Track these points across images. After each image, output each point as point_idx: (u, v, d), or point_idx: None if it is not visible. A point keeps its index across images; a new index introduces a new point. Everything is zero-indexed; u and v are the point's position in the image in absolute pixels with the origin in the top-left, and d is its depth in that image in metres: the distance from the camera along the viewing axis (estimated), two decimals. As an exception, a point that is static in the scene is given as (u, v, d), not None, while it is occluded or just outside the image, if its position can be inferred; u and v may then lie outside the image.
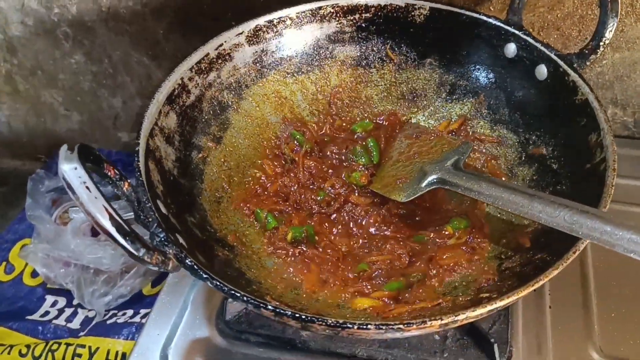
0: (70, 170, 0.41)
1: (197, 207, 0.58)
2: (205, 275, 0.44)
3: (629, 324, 0.57)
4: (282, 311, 0.42)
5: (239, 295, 0.43)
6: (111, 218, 0.40)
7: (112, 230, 0.41)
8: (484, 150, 0.65)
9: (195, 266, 0.45)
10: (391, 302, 0.52)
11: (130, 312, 0.83)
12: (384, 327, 0.41)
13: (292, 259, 0.57)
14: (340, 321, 0.41)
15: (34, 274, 0.92)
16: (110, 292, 0.82)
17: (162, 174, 0.55)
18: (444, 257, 0.56)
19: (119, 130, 0.99)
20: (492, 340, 0.53)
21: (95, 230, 0.88)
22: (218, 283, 0.43)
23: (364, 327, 0.40)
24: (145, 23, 0.81)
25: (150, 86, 0.90)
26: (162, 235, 0.46)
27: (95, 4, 0.81)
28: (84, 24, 0.84)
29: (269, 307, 0.42)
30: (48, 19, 0.84)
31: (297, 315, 0.41)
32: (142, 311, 0.82)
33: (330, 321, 0.41)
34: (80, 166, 0.41)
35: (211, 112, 0.65)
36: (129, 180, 0.51)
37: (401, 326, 0.40)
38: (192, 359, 0.57)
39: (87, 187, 0.41)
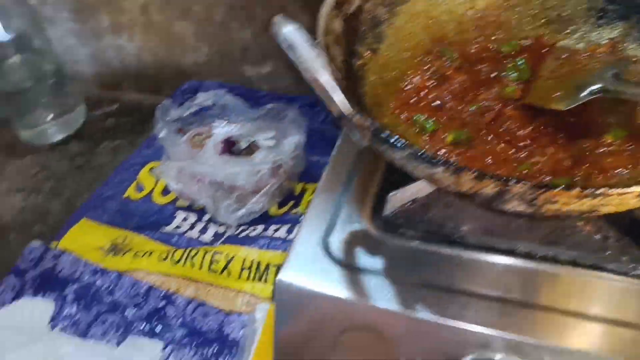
0: (293, 30, 0.45)
1: (363, 106, 0.61)
2: (400, 145, 0.47)
3: None
4: (484, 173, 0.44)
5: (435, 161, 0.45)
6: (332, 74, 0.43)
7: (331, 86, 0.44)
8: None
9: (388, 136, 0.47)
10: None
11: (260, 227, 0.87)
12: (585, 192, 0.42)
13: (453, 158, 0.60)
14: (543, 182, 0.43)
15: (165, 192, 0.97)
16: (244, 208, 0.87)
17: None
18: (607, 161, 0.57)
19: (245, 63, 1.03)
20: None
21: (226, 150, 0.93)
22: (415, 149, 0.46)
23: (566, 189, 0.42)
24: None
25: (283, 17, 0.93)
26: (358, 114, 0.49)
27: None
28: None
29: (471, 170, 0.44)
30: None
31: (501, 177, 0.44)
32: (272, 227, 0.87)
33: (533, 182, 0.43)
34: (302, 28, 0.45)
35: (369, 23, 0.67)
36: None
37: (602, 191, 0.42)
38: (352, 248, 0.60)
39: (311, 46, 0.44)
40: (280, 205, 0.91)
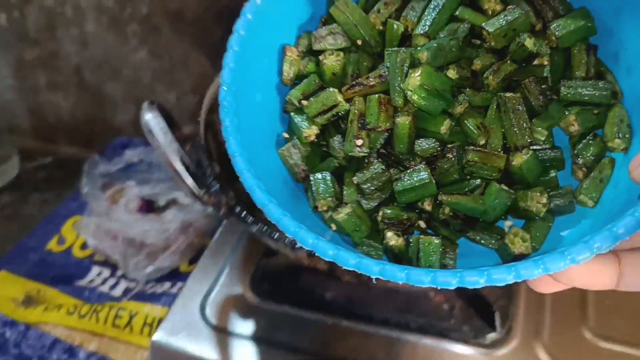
0: (152, 118, 0.50)
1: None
2: (249, 221, 0.52)
3: (621, 309, 0.63)
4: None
5: (278, 237, 0.51)
6: (182, 160, 0.49)
7: (182, 170, 0.49)
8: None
9: (243, 213, 0.53)
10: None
11: (168, 284, 0.91)
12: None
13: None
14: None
15: (84, 247, 1.01)
16: (152, 265, 0.90)
17: (217, 144, 0.64)
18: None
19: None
20: (495, 311, 0.60)
21: (143, 208, 0.97)
22: (261, 226, 0.51)
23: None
24: (206, 26, 0.92)
25: (204, 84, 0.99)
26: (216, 187, 0.55)
27: (164, 5, 0.91)
28: (151, 23, 0.94)
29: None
30: (120, 17, 0.95)
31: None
32: (179, 284, 0.90)
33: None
34: (160, 116, 0.50)
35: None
36: (193, 142, 0.59)
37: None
38: (228, 312, 0.65)
39: (165, 133, 0.49)
40: (192, 261, 0.95)
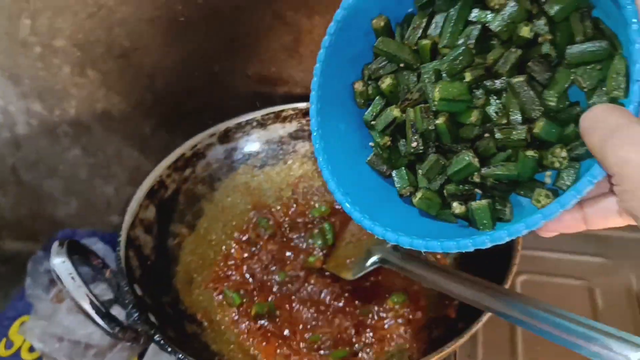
0: (59, 263, 0.51)
1: (171, 287, 0.68)
2: (169, 349, 0.53)
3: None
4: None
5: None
6: (91, 303, 0.50)
7: (92, 313, 0.50)
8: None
9: (161, 341, 0.53)
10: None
11: (117, 383, 0.90)
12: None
13: (254, 332, 0.66)
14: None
15: (32, 349, 1.00)
16: (100, 365, 0.90)
17: (140, 260, 0.65)
18: (385, 327, 0.64)
19: (111, 214, 1.09)
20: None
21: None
22: (181, 356, 0.52)
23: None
24: (135, 122, 0.93)
25: (139, 176, 1.00)
26: (135, 315, 0.55)
27: (91, 107, 0.92)
28: (81, 124, 0.95)
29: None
30: (50, 119, 0.96)
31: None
32: (129, 382, 0.90)
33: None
34: (68, 260, 0.51)
35: (186, 203, 0.75)
36: (110, 268, 0.60)
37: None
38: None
39: (73, 278, 0.50)
40: (140, 356, 0.94)
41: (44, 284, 1.04)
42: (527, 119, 0.42)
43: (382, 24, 0.49)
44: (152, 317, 0.57)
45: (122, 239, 0.63)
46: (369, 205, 0.47)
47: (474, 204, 0.42)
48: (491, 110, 0.43)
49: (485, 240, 0.39)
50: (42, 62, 0.89)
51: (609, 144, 0.32)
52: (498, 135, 0.42)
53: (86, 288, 0.49)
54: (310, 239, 0.75)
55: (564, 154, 0.40)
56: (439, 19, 0.46)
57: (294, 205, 0.80)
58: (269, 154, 0.81)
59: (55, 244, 0.53)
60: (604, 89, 0.39)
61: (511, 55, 0.42)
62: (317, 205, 0.80)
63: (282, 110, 0.79)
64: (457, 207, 0.44)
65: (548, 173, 0.42)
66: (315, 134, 0.48)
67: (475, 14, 0.44)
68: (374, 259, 0.68)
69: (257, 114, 0.79)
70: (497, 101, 0.43)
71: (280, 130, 0.80)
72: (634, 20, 0.34)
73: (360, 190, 0.48)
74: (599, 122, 0.34)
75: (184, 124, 0.91)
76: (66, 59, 0.87)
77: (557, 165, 0.40)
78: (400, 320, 0.65)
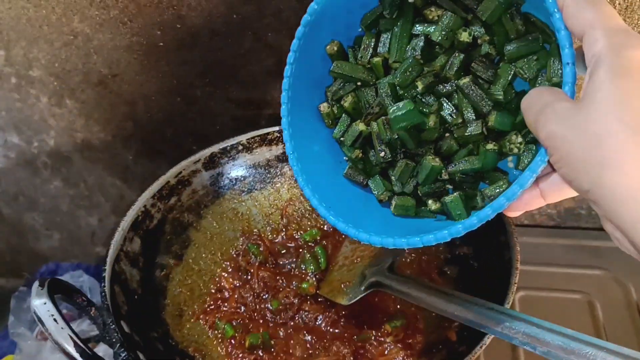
0: (40, 304, 0.48)
1: (160, 322, 0.65)
2: (161, 389, 0.50)
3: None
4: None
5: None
6: (75, 345, 0.47)
7: (77, 356, 0.47)
8: (417, 251, 0.73)
9: (153, 381, 0.51)
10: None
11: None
12: None
13: (250, 367, 0.63)
14: None
15: (16, 391, 0.96)
16: (89, 405, 0.86)
17: (127, 295, 0.62)
18: (385, 353, 0.62)
19: (96, 245, 1.06)
20: None
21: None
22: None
23: None
24: (116, 151, 0.90)
25: (123, 204, 0.98)
26: (124, 355, 0.53)
27: (70, 137, 0.90)
28: (60, 154, 0.93)
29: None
30: (28, 151, 0.93)
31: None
32: (119, 421, 0.86)
33: None
34: (49, 300, 0.48)
35: (173, 232, 0.72)
36: (95, 306, 0.57)
37: None
38: None
39: (55, 320, 0.47)
40: (131, 393, 0.91)
41: (27, 321, 1.01)
42: (480, 114, 0.46)
43: (335, 48, 0.53)
44: (141, 355, 0.55)
45: (107, 274, 0.60)
46: (351, 215, 0.51)
47: (447, 198, 0.46)
48: (446, 113, 0.48)
49: (459, 228, 0.43)
50: (18, 93, 0.86)
51: (539, 121, 0.36)
52: (456, 133, 0.47)
53: (69, 329, 0.47)
54: (302, 264, 0.73)
55: (519, 139, 0.44)
56: (385, 37, 0.51)
57: (284, 230, 0.78)
58: (256, 178, 0.79)
59: (36, 285, 0.50)
60: (544, 75, 0.43)
61: (455, 59, 0.47)
62: (308, 228, 0.78)
63: (268, 133, 0.78)
64: (432, 204, 0.49)
65: (510, 159, 0.47)
66: (291, 157, 0.53)
67: (417, 28, 0.49)
68: (369, 282, 0.66)
69: (242, 138, 0.77)
70: (450, 104, 0.48)
71: (266, 153, 0.78)
72: (555, 10, 0.37)
73: (342, 202, 0.53)
74: (532, 103, 0.38)
75: (167, 151, 0.89)
76: (43, 89, 0.85)
77: (515, 150, 0.45)
78: (400, 345, 0.62)
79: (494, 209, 0.41)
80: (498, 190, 0.45)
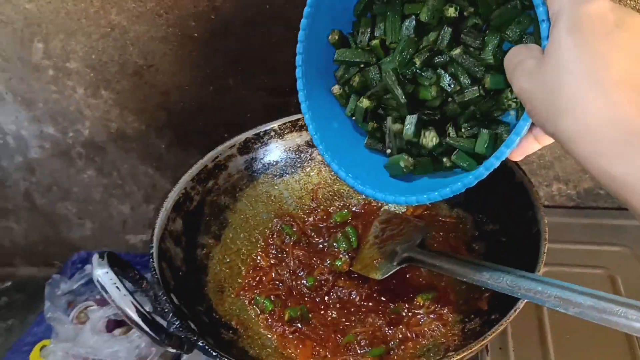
0: (103, 274, 0.51)
1: (203, 297, 0.68)
2: (214, 354, 0.53)
3: (580, 343, 0.66)
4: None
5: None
6: (137, 311, 0.50)
7: (139, 321, 0.50)
8: (446, 229, 0.76)
9: (206, 347, 0.54)
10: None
11: (145, 401, 0.90)
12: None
13: (289, 336, 0.67)
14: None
15: (54, 373, 0.99)
16: (127, 383, 0.90)
17: (173, 271, 0.65)
18: (419, 323, 0.65)
19: (127, 233, 1.09)
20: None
21: (111, 327, 0.97)
22: (225, 357, 0.53)
23: (348, 384, 0.50)
24: (149, 140, 0.94)
25: (155, 193, 1.01)
26: (177, 323, 0.56)
27: (105, 127, 0.93)
28: (95, 144, 0.96)
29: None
30: (63, 142, 0.97)
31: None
32: (156, 399, 0.90)
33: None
34: (110, 270, 0.52)
35: (211, 214, 0.76)
36: (146, 279, 0.61)
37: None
38: None
39: (117, 287, 0.51)
40: (164, 373, 0.94)
41: (62, 307, 1.04)
42: (476, 79, 0.51)
43: (336, 37, 0.58)
44: (192, 324, 0.58)
45: (155, 250, 0.63)
46: (377, 181, 0.55)
47: (455, 153, 0.52)
48: (445, 83, 0.52)
49: (470, 179, 0.47)
50: (55, 85, 0.90)
51: (514, 77, 0.40)
52: (457, 99, 0.52)
53: (131, 296, 0.50)
54: (334, 243, 0.76)
55: (513, 94, 0.48)
56: (379, 20, 0.56)
57: (315, 211, 0.81)
58: (288, 162, 0.82)
59: (96, 256, 0.53)
60: (528, 36, 0.47)
61: (445, 34, 0.51)
62: (338, 210, 0.81)
63: (298, 119, 0.81)
64: (447, 162, 0.54)
65: (512, 113, 0.51)
66: (315, 136, 0.58)
67: (407, 7, 0.53)
68: (401, 257, 0.69)
69: (274, 124, 0.80)
70: (447, 74, 0.52)
71: (297, 139, 0.81)
72: None
73: (367, 171, 0.57)
74: (509, 61, 0.42)
75: (199, 140, 0.93)
76: (80, 81, 0.89)
77: (513, 105, 0.49)
78: (432, 316, 0.66)
79: (497, 157, 0.45)
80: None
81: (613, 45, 0.35)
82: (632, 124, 0.33)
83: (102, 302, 1.01)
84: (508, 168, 0.69)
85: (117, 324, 0.98)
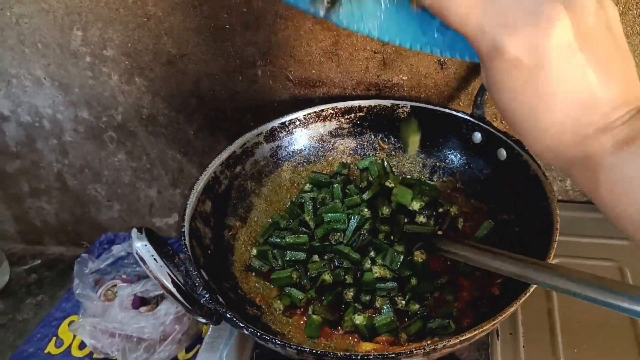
0: (142, 246, 0.55)
1: (230, 275, 0.72)
2: (242, 325, 0.57)
3: (589, 357, 0.69)
4: (302, 348, 0.54)
5: (268, 338, 0.56)
6: (173, 282, 0.54)
7: (174, 291, 0.54)
8: (463, 218, 0.79)
9: (234, 318, 0.58)
10: (388, 346, 0.64)
11: (168, 375, 0.94)
12: (381, 357, 0.53)
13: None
14: (347, 353, 0.54)
15: (82, 346, 1.04)
16: (151, 358, 0.94)
17: (202, 249, 0.69)
18: (437, 309, 0.68)
19: (153, 216, 1.14)
20: (474, 373, 0.65)
21: (137, 304, 1.01)
22: (253, 330, 0.56)
23: (366, 357, 0.53)
24: (179, 126, 0.98)
25: (181, 178, 1.05)
26: (207, 296, 0.60)
27: (137, 112, 0.98)
28: (126, 129, 1.01)
29: (292, 346, 0.55)
30: (97, 126, 1.01)
31: (314, 350, 0.54)
32: (179, 373, 0.94)
33: (340, 354, 0.53)
34: (149, 243, 0.56)
35: (238, 197, 0.80)
36: (179, 255, 0.65)
37: (393, 354, 0.53)
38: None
39: (155, 259, 0.55)
40: (188, 349, 0.99)
41: (90, 285, 1.09)
42: None
43: None
44: (220, 298, 0.62)
45: (186, 229, 0.67)
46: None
47: None
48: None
49: None
50: (91, 71, 0.94)
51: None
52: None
53: (167, 268, 0.54)
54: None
55: None
56: None
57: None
58: (311, 151, 0.85)
59: (134, 231, 0.57)
60: None
61: None
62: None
63: (323, 110, 0.84)
64: None
65: None
66: None
67: None
68: (418, 244, 0.72)
69: (300, 114, 0.84)
70: None
71: (320, 128, 0.85)
72: None
73: None
74: None
75: (227, 127, 0.97)
76: (115, 68, 0.93)
77: None
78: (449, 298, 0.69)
79: None
80: None
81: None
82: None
83: (128, 281, 1.06)
84: (523, 162, 0.72)
85: (142, 301, 1.03)
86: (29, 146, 1.07)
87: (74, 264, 1.08)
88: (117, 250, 1.13)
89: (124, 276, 1.10)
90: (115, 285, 1.07)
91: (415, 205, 0.74)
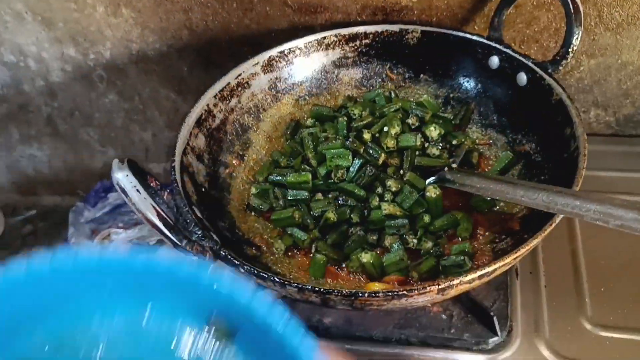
0: (123, 177, 0.50)
1: (226, 213, 0.67)
2: (237, 262, 0.52)
3: (617, 295, 0.63)
4: (303, 286, 0.49)
5: (266, 276, 0.51)
6: (158, 214, 0.49)
7: (160, 225, 0.49)
8: (478, 151, 0.73)
9: (228, 255, 0.52)
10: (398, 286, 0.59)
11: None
12: (390, 294, 0.48)
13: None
14: (353, 291, 0.48)
15: (79, 296, 1.00)
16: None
17: (195, 186, 0.64)
18: (451, 247, 0.63)
19: (150, 162, 1.08)
20: (493, 315, 0.60)
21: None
22: (249, 267, 0.51)
23: (374, 295, 0.48)
24: (171, 62, 0.91)
25: (177, 119, 0.99)
26: (199, 232, 0.54)
27: (126, 48, 0.91)
28: (116, 67, 0.94)
29: (293, 284, 0.50)
30: (85, 64, 0.95)
31: (317, 288, 0.49)
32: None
33: (345, 291, 0.48)
34: (131, 174, 0.50)
35: (234, 133, 0.74)
36: (168, 190, 0.59)
37: (405, 292, 0.48)
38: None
39: (138, 190, 0.49)
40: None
41: (86, 234, 1.05)
42: None
43: None
44: (214, 235, 0.56)
45: (177, 163, 0.62)
46: None
47: None
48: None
49: None
50: (75, 3, 0.87)
51: None
52: None
53: (151, 199, 0.49)
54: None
55: None
56: None
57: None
58: (313, 83, 0.79)
59: (116, 161, 0.52)
60: None
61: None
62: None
63: (325, 37, 0.77)
64: None
65: None
66: None
67: None
68: (431, 179, 0.66)
69: (300, 42, 0.77)
70: None
71: (323, 58, 0.78)
72: None
73: None
74: None
75: (222, 61, 0.90)
76: (100, -2, 0.86)
77: None
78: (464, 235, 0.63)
79: None
80: None
81: None
82: None
83: (125, 228, 1.01)
84: (546, 85, 0.65)
85: (139, 249, 0.98)
86: (15, 88, 1.01)
87: (68, 215, 1.03)
88: (114, 198, 1.08)
89: (120, 224, 1.05)
90: (111, 234, 1.03)
91: (434, 133, 0.68)
